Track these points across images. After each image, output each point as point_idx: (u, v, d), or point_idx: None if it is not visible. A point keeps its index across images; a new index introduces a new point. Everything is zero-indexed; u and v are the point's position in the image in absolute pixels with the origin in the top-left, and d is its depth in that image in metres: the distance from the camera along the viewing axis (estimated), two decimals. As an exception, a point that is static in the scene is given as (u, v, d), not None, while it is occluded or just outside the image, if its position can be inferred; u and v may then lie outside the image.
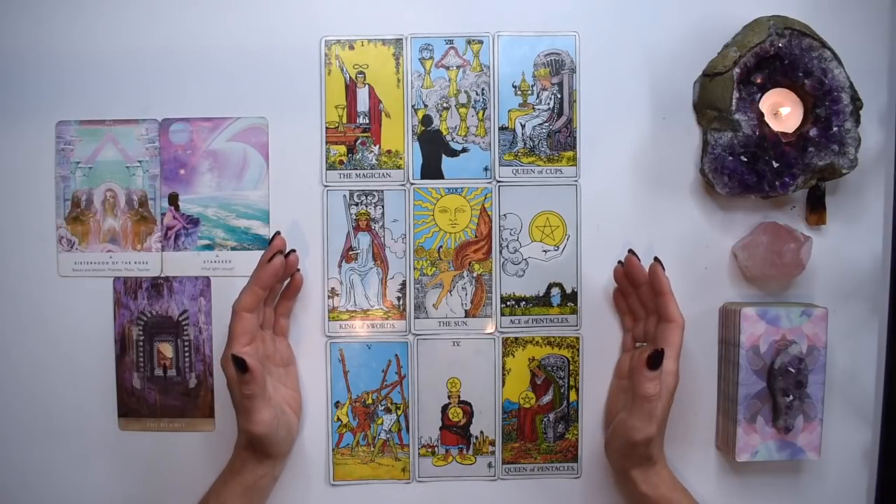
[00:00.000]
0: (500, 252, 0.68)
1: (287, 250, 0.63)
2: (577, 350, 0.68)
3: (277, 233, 0.63)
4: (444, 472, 0.68)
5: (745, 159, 0.64)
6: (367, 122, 0.67)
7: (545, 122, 0.67)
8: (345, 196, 0.68)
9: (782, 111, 0.65)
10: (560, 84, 0.67)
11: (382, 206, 0.68)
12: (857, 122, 0.64)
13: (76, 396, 0.68)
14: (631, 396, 0.60)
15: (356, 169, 0.67)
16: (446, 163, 0.68)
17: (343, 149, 0.67)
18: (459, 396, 0.68)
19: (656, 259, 0.61)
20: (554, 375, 0.68)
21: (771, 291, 0.68)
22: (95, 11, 0.67)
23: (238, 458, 0.62)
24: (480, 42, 0.67)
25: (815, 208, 0.67)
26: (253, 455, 0.62)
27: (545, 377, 0.68)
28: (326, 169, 0.67)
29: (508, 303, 0.68)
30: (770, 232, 0.65)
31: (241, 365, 0.57)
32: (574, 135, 0.68)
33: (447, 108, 0.67)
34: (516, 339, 0.68)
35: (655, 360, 0.58)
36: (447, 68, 0.67)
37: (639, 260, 0.63)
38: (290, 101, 0.67)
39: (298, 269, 0.66)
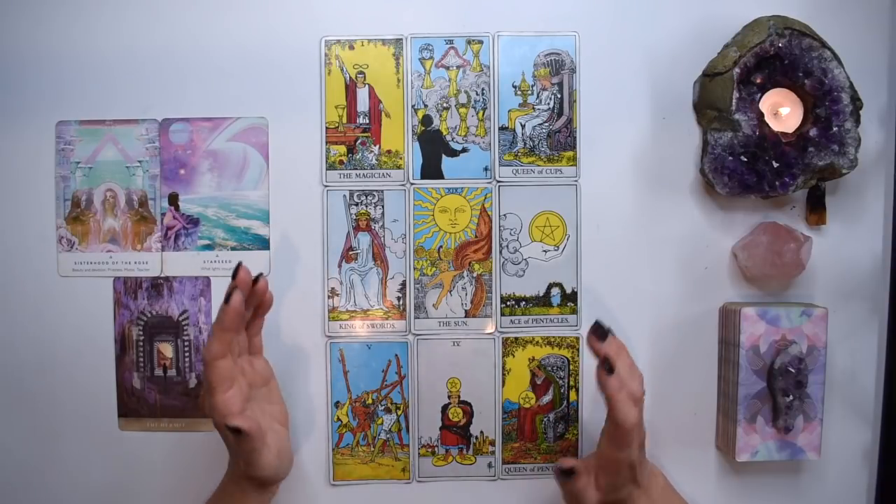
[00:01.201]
0: (500, 252, 0.68)
1: (255, 275, 0.58)
2: (577, 350, 0.68)
3: (240, 263, 0.57)
4: (444, 472, 0.68)
5: (745, 159, 0.64)
6: (367, 122, 0.67)
7: (545, 122, 0.67)
8: (345, 196, 0.68)
9: (782, 111, 0.65)
10: (560, 84, 0.67)
11: (382, 206, 0.68)
12: (857, 122, 0.64)
13: (76, 396, 0.68)
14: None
15: (356, 169, 0.67)
16: (446, 163, 0.68)
17: (343, 149, 0.67)
18: (459, 396, 0.68)
19: (605, 362, 0.55)
20: (554, 375, 0.68)
21: (771, 291, 0.68)
22: (95, 11, 0.67)
23: (238, 489, 0.60)
24: (480, 42, 0.67)
25: (815, 208, 0.67)
26: (257, 485, 0.60)
27: (545, 377, 0.68)
28: (326, 169, 0.67)
29: (508, 303, 0.68)
30: (770, 232, 0.65)
31: (236, 432, 0.55)
32: (574, 135, 0.68)
33: (447, 108, 0.67)
34: (516, 339, 0.68)
35: (563, 475, 0.57)
36: (447, 68, 0.67)
37: (600, 336, 0.56)
38: (290, 101, 0.67)
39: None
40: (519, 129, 0.67)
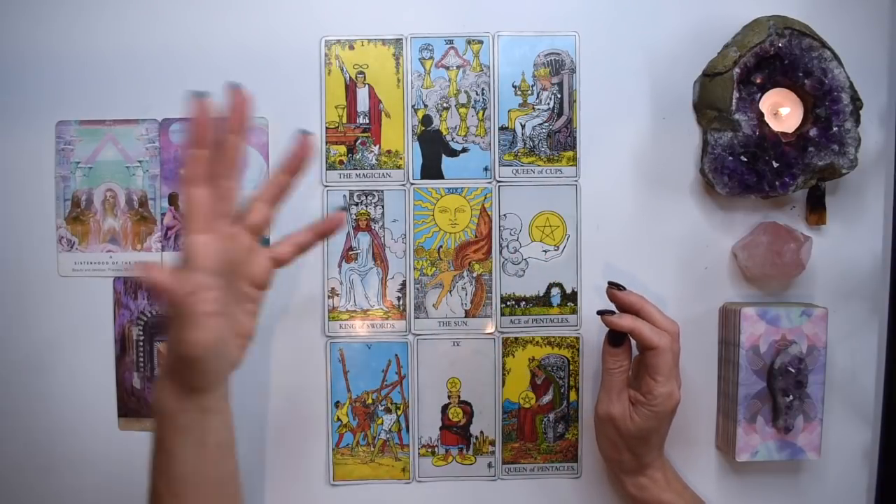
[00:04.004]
0: (500, 252, 0.68)
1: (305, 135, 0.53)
2: (577, 350, 0.68)
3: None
4: (444, 472, 0.68)
5: (745, 159, 0.64)
6: (367, 122, 0.67)
7: (545, 122, 0.67)
8: (345, 196, 0.68)
9: (782, 111, 0.65)
10: (560, 84, 0.67)
11: (382, 206, 0.68)
12: (857, 122, 0.64)
13: (76, 396, 0.68)
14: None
15: (356, 169, 0.67)
16: (446, 163, 0.68)
17: (343, 149, 0.67)
18: (459, 396, 0.68)
19: (612, 284, 0.62)
20: (554, 375, 0.68)
21: (771, 291, 0.68)
22: (95, 11, 0.67)
23: (162, 394, 0.49)
24: (480, 42, 0.67)
25: (815, 208, 0.67)
26: (180, 385, 0.49)
27: (545, 377, 0.68)
28: (326, 169, 0.67)
29: (508, 303, 0.68)
30: (770, 232, 0.65)
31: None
32: (574, 135, 0.68)
33: (447, 108, 0.67)
34: (516, 339, 0.68)
35: (614, 340, 0.61)
36: (447, 68, 0.67)
37: (619, 288, 0.62)
38: (290, 101, 0.67)
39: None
40: (519, 129, 0.67)
